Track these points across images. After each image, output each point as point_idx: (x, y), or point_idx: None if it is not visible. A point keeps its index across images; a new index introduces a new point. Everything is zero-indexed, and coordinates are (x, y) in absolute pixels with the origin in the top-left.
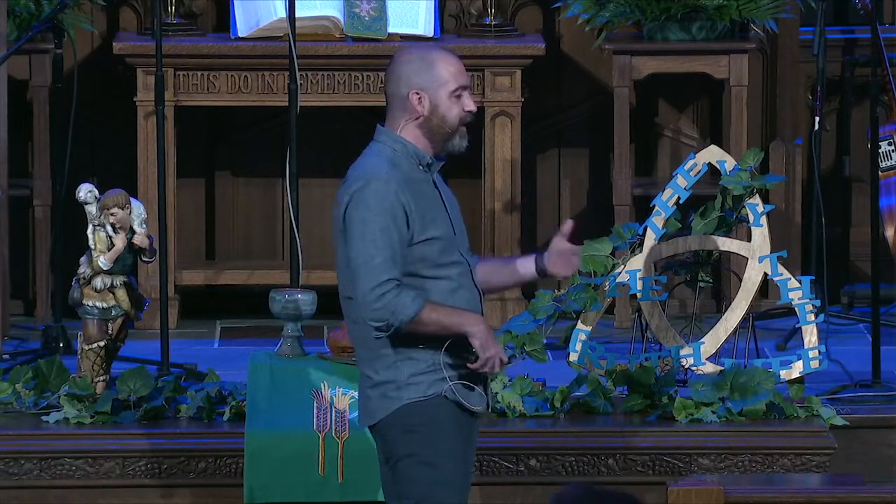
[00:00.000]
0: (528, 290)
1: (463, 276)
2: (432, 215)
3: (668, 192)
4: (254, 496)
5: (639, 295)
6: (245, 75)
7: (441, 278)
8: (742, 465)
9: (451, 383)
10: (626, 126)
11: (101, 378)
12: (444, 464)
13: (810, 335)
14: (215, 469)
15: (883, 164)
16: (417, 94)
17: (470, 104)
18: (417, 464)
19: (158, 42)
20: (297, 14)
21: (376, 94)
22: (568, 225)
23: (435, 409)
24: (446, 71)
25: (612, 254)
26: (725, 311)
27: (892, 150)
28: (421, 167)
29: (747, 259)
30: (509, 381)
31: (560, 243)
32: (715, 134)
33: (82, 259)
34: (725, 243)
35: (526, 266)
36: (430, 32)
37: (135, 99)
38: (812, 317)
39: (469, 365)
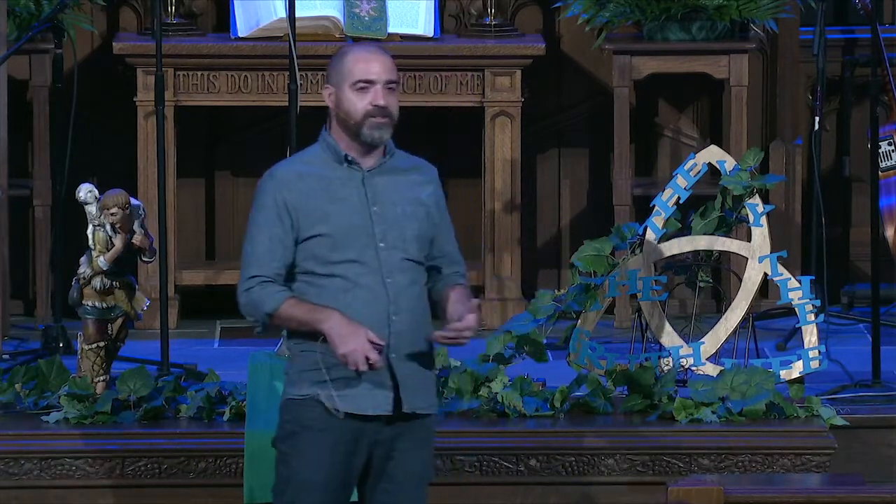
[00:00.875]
0: (528, 290)
1: (363, 276)
2: (325, 211)
3: (668, 192)
4: (254, 496)
5: (639, 295)
6: (245, 75)
7: (335, 276)
8: (742, 465)
9: (331, 387)
10: (626, 126)
11: (101, 378)
12: (299, 466)
13: (810, 335)
14: (215, 469)
15: (883, 164)
16: (328, 89)
17: (378, 98)
18: (279, 459)
19: (158, 42)
20: (297, 14)
21: None
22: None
23: (304, 411)
24: (351, 64)
25: (612, 254)
26: (725, 311)
27: (892, 150)
28: (342, 164)
29: (747, 259)
30: (509, 381)
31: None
32: (715, 134)
33: (82, 259)
34: (725, 243)
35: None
36: (429, 32)
37: (135, 99)
38: (812, 317)
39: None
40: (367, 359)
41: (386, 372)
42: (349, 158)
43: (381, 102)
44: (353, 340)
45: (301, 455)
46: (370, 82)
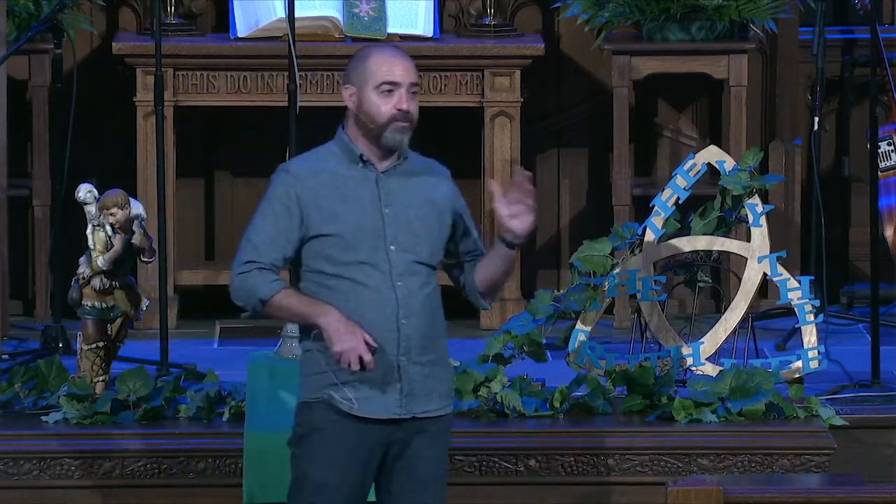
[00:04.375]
0: (528, 290)
1: (373, 279)
2: (335, 211)
3: (667, 192)
4: (253, 496)
5: (638, 295)
6: (244, 75)
7: (344, 278)
8: (741, 466)
9: (343, 389)
10: (625, 126)
11: (101, 378)
12: (312, 468)
13: (810, 335)
14: (215, 469)
15: (882, 164)
16: (348, 89)
17: (403, 103)
18: (292, 461)
19: (158, 42)
20: (297, 14)
21: None
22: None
23: (316, 413)
24: (375, 66)
25: (612, 254)
26: (725, 311)
27: (892, 150)
28: (357, 163)
29: (747, 259)
30: (509, 381)
31: (503, 202)
32: (714, 134)
33: (82, 259)
34: (725, 243)
35: (496, 247)
36: (429, 32)
37: (134, 99)
38: (811, 317)
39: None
40: (361, 359)
41: (395, 375)
42: (364, 159)
43: (405, 107)
44: (349, 339)
45: (314, 457)
46: (395, 84)
